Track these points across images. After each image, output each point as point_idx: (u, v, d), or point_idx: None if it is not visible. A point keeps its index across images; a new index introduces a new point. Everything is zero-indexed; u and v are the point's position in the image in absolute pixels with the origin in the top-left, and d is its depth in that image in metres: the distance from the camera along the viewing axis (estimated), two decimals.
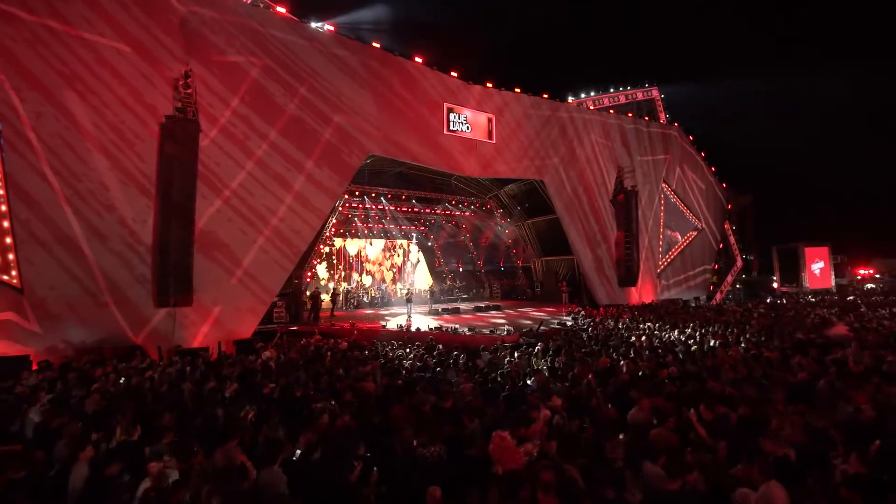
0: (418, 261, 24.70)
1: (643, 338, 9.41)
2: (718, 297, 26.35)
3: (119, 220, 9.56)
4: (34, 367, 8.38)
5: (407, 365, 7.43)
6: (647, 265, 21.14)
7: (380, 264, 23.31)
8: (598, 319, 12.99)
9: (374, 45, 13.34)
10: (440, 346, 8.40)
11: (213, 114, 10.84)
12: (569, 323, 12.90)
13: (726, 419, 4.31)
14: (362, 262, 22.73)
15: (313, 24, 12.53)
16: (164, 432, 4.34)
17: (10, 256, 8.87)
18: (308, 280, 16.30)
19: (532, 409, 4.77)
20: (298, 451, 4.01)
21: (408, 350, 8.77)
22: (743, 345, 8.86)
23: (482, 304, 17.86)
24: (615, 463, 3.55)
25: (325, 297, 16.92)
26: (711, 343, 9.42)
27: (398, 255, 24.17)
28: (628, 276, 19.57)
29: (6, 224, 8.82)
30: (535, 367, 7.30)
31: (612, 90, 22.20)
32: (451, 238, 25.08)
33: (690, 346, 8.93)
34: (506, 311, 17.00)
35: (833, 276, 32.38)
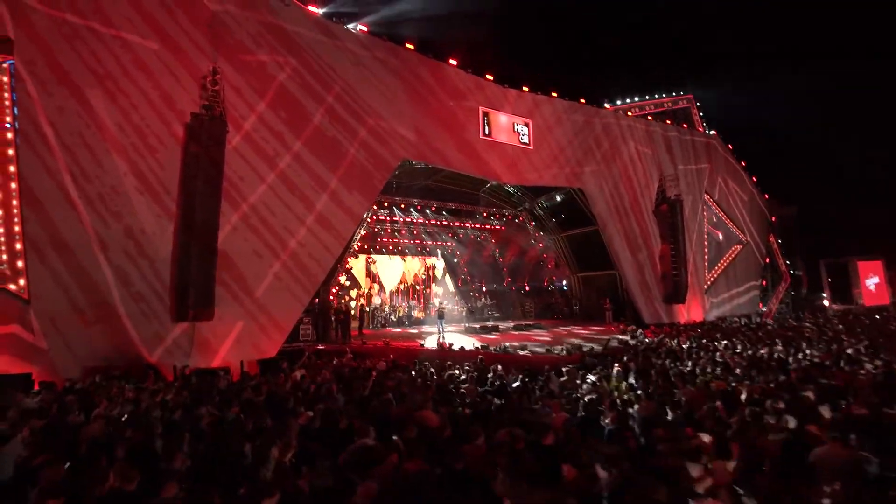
0: (444, 275, 23.53)
1: (734, 356, 7.95)
2: (768, 315, 24.37)
3: (129, 228, 8.67)
4: (36, 387, 7.44)
5: (464, 389, 6.16)
6: (692, 280, 19.53)
7: (409, 284, 22.19)
8: (658, 338, 11.48)
9: (408, 46, 12.66)
10: (499, 367, 7.11)
11: (237, 118, 10.07)
12: (631, 343, 11.43)
13: None
14: (378, 279, 21.61)
15: (345, 26, 11.91)
16: (173, 478, 3.18)
17: (20, 264, 8.06)
18: (332, 297, 15.24)
19: (673, 454, 3.47)
20: None
21: (457, 371, 7.50)
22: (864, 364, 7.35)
23: (522, 323, 16.43)
24: None
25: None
26: (814, 360, 7.94)
27: (423, 272, 23.05)
28: (676, 293, 17.99)
29: (17, 228, 8.05)
30: (624, 392, 5.95)
31: (647, 97, 21.19)
32: (476, 254, 23.92)
33: (797, 361, 7.45)
34: (549, 329, 15.54)
35: (890, 293, 29.91)
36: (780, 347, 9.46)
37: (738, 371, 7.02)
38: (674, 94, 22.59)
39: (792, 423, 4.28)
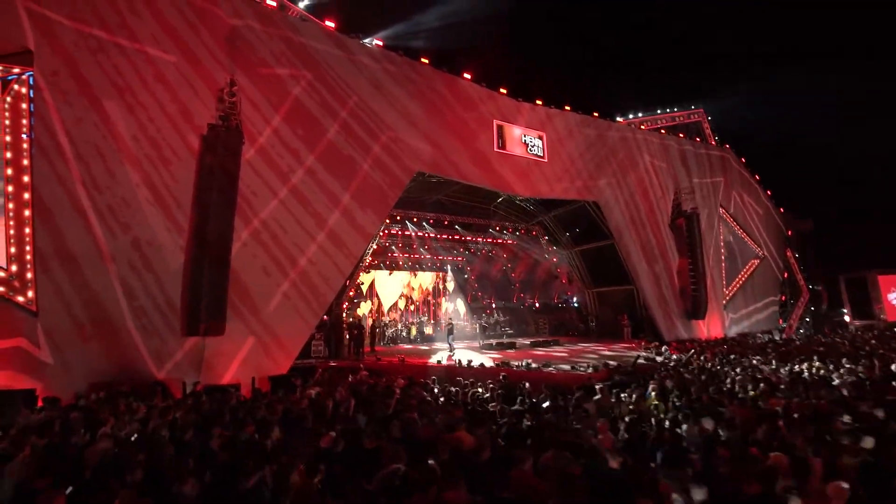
0: (453, 291, 23.09)
1: (779, 372, 7.48)
2: (790, 331, 23.63)
3: (137, 240, 8.46)
4: (40, 403, 7.12)
5: (491, 408, 5.75)
6: (711, 296, 18.98)
7: (416, 299, 21.76)
8: (686, 355, 10.96)
9: (423, 60, 12.69)
10: (526, 385, 6.69)
11: (252, 132, 9.93)
12: (658, 360, 10.90)
13: None
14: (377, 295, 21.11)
15: (361, 40, 11.95)
16: None
17: (29, 275, 7.85)
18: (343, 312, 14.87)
19: (747, 476, 3.07)
20: None
21: (480, 389, 7.08)
22: None
23: (539, 340, 15.88)
24: None
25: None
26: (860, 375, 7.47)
27: (433, 287, 22.64)
28: (696, 309, 17.45)
29: (28, 239, 7.88)
30: (666, 411, 5.52)
31: (658, 111, 21.12)
32: (487, 269, 23.54)
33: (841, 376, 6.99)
34: (567, 346, 14.99)
35: None
36: (816, 363, 8.95)
37: (782, 387, 6.57)
38: (685, 107, 22.56)
39: (869, 442, 3.84)
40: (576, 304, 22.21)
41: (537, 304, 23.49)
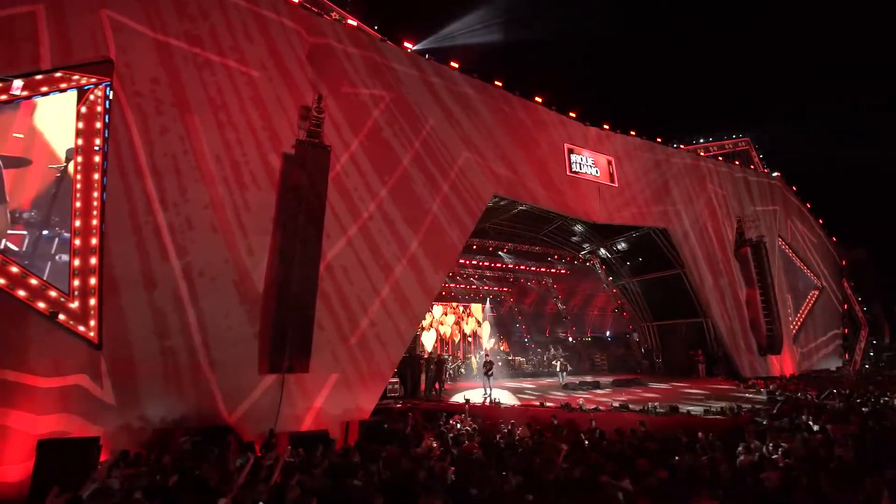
0: (490, 325, 21.77)
1: None
2: (856, 365, 22.00)
3: (188, 266, 7.46)
4: (103, 456, 6.00)
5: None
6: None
7: (465, 333, 20.47)
8: (824, 394, 9.56)
9: (497, 83, 12.30)
10: (699, 435, 5.47)
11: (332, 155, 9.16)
12: (779, 398, 9.48)
13: None
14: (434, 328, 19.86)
15: (436, 62, 11.54)
16: None
17: (92, 301, 6.88)
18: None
19: None
20: None
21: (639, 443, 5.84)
22: None
23: (622, 379, 14.31)
24: None
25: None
26: None
27: (479, 317, 21.37)
28: (771, 343, 16.08)
29: (93, 261, 6.96)
30: None
31: (711, 139, 20.60)
32: (525, 301, 22.34)
33: None
34: (652, 386, 13.49)
35: None
36: None
37: None
38: (732, 136, 22.07)
39: None
40: (636, 338, 20.76)
41: (572, 338, 22.12)
